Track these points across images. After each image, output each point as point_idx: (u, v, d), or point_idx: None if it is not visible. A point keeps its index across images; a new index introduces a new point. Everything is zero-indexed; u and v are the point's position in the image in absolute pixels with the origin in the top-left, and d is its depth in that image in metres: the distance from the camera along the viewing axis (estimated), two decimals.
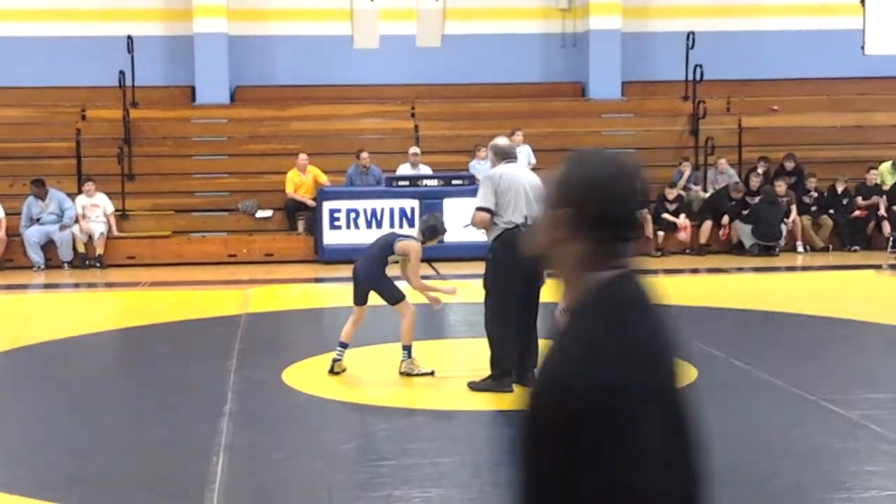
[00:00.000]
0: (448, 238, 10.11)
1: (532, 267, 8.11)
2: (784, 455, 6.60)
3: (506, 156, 8.91)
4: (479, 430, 7.48)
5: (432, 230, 9.18)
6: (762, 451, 6.69)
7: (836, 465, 6.40)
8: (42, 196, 17.57)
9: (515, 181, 8.67)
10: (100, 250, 17.52)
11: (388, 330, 9.84)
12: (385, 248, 9.12)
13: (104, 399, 8.58)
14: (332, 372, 9.03)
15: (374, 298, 9.12)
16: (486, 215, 8.61)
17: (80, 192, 17.89)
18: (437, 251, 9.98)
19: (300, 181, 18.55)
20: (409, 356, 8.94)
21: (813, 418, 7.46)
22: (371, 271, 9.06)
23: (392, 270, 9.20)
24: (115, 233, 17.80)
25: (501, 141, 9.19)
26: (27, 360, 10.08)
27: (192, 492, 5.99)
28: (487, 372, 8.67)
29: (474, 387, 8.43)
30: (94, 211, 17.68)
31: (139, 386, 9.14)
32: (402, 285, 9.18)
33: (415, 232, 9.37)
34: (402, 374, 8.91)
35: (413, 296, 9.24)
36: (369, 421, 7.64)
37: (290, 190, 18.49)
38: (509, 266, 8.28)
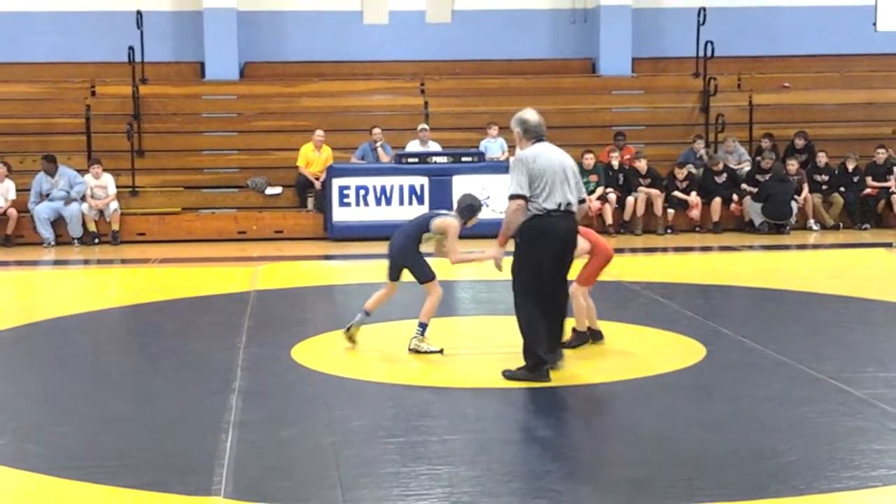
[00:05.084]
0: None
1: (561, 249, 7.91)
2: (792, 433, 6.59)
3: (536, 134, 8.02)
4: (488, 408, 7.48)
5: (469, 209, 9.04)
6: (770, 429, 6.68)
7: (844, 444, 6.39)
8: (52, 172, 17.60)
9: (550, 163, 7.89)
10: (115, 226, 17.56)
11: (399, 307, 9.85)
12: (421, 226, 9.08)
13: (113, 375, 8.60)
14: (346, 331, 9.06)
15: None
16: (521, 203, 7.83)
17: (88, 170, 17.90)
18: None
19: (313, 157, 18.54)
20: (422, 334, 8.93)
21: (822, 396, 7.44)
22: (404, 248, 9.04)
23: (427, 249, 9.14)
24: (119, 211, 17.79)
25: (531, 115, 8.10)
26: (37, 337, 10.11)
27: (201, 468, 6.00)
28: (497, 349, 8.68)
29: (509, 375, 7.94)
30: (103, 192, 17.70)
31: (148, 362, 9.16)
32: (436, 262, 9.10)
33: (452, 211, 9.22)
34: (410, 350, 8.90)
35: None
36: (378, 398, 7.65)
37: (301, 163, 18.50)
38: (537, 251, 7.84)
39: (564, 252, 7.98)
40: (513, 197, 7.86)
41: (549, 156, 7.94)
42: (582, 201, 8.12)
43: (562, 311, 8.11)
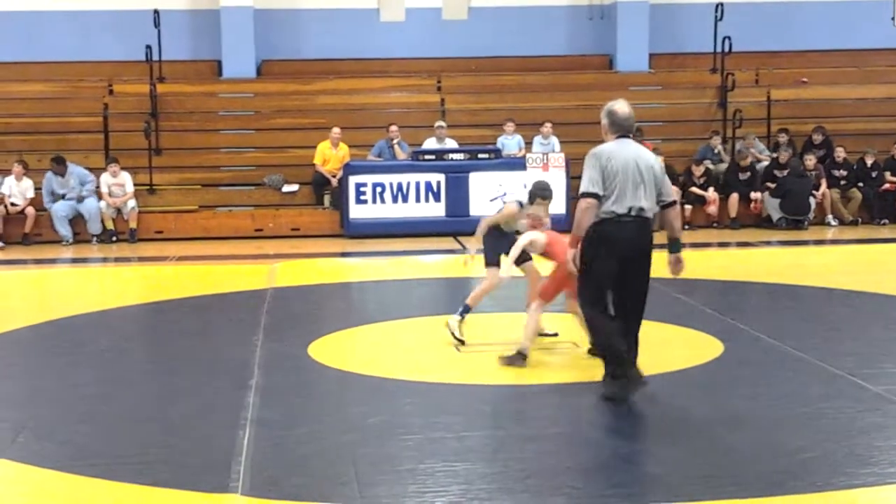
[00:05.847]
0: (476, 211, 10.06)
1: (628, 259, 7.21)
2: (809, 429, 6.57)
3: (622, 129, 7.35)
4: (505, 405, 7.48)
5: (530, 195, 9.04)
6: (788, 426, 6.66)
7: (862, 440, 6.37)
8: (62, 173, 17.64)
9: (626, 164, 7.19)
10: (132, 224, 17.62)
11: (414, 305, 9.84)
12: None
13: (130, 373, 8.62)
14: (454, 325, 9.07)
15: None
16: (592, 202, 7.17)
17: (106, 168, 17.94)
18: (469, 225, 9.89)
19: (330, 154, 18.56)
20: (462, 318, 9.05)
21: (839, 393, 7.42)
22: (487, 232, 9.17)
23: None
24: (136, 210, 17.84)
25: (620, 107, 7.38)
26: (55, 335, 10.15)
27: (218, 465, 6.01)
28: (513, 346, 8.66)
29: (603, 395, 7.30)
30: (120, 190, 17.76)
31: (165, 360, 9.18)
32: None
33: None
34: (446, 324, 9.04)
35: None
36: (395, 395, 7.65)
37: (318, 161, 18.53)
38: (600, 259, 7.22)
39: (634, 262, 7.25)
40: (585, 195, 7.22)
41: (626, 155, 7.23)
42: (670, 204, 7.43)
43: (631, 329, 7.37)
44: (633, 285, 7.30)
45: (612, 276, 7.23)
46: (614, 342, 7.29)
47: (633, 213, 7.18)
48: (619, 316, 7.33)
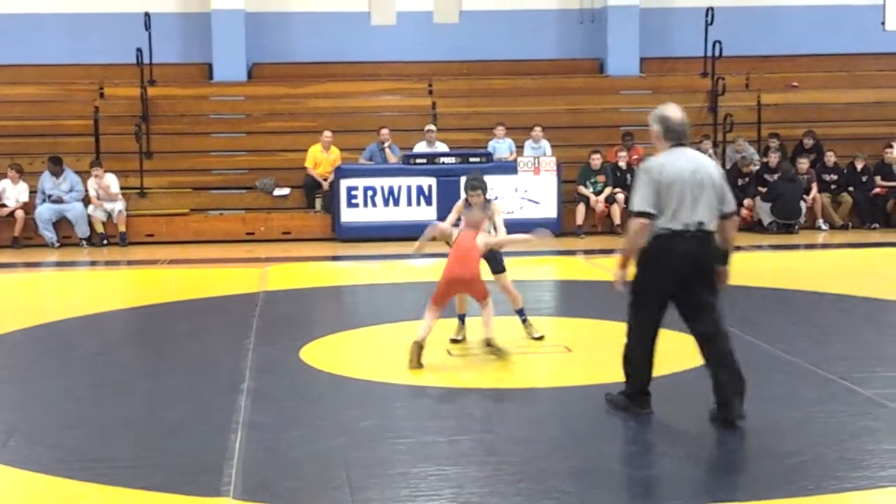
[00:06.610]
0: None
1: (687, 278, 6.70)
2: (801, 433, 6.58)
3: (677, 135, 6.81)
4: (497, 408, 7.48)
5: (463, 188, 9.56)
6: (780, 430, 6.68)
7: (853, 444, 6.38)
8: (58, 174, 17.63)
9: (681, 176, 6.62)
10: (122, 227, 17.58)
11: (406, 308, 9.84)
12: None
13: (122, 376, 8.61)
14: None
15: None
16: (645, 223, 6.62)
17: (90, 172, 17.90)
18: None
19: (321, 158, 18.57)
20: (525, 318, 9.44)
21: (831, 397, 7.43)
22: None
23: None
24: (125, 213, 17.81)
25: (673, 112, 6.91)
26: (45, 338, 10.13)
27: (210, 469, 6.01)
28: (508, 349, 8.68)
29: (610, 399, 7.14)
30: (108, 193, 17.71)
31: (157, 363, 9.17)
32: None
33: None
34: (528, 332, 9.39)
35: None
36: (387, 399, 7.65)
37: (309, 164, 18.53)
38: (655, 279, 6.73)
39: (696, 281, 6.71)
40: (637, 214, 6.66)
41: (680, 166, 6.66)
42: (729, 214, 6.84)
43: (721, 347, 6.83)
44: (702, 304, 6.76)
45: (667, 298, 6.76)
46: (646, 378, 6.98)
47: (691, 228, 6.62)
48: (702, 342, 6.83)
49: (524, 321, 9.45)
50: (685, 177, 6.62)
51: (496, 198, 9.41)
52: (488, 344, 8.73)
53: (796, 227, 18.24)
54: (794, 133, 19.93)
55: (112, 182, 17.84)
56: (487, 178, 17.63)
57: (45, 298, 13.40)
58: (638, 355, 6.96)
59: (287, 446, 6.47)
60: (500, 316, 9.76)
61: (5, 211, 17.48)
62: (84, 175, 17.87)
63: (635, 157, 18.78)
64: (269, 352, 9.10)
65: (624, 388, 7.09)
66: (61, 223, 17.60)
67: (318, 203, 18.43)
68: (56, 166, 17.68)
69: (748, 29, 22.46)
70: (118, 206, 17.70)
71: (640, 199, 6.64)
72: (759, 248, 16.65)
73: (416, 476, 5.90)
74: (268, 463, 6.15)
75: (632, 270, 6.87)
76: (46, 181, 17.65)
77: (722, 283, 6.87)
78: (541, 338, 9.32)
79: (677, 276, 6.69)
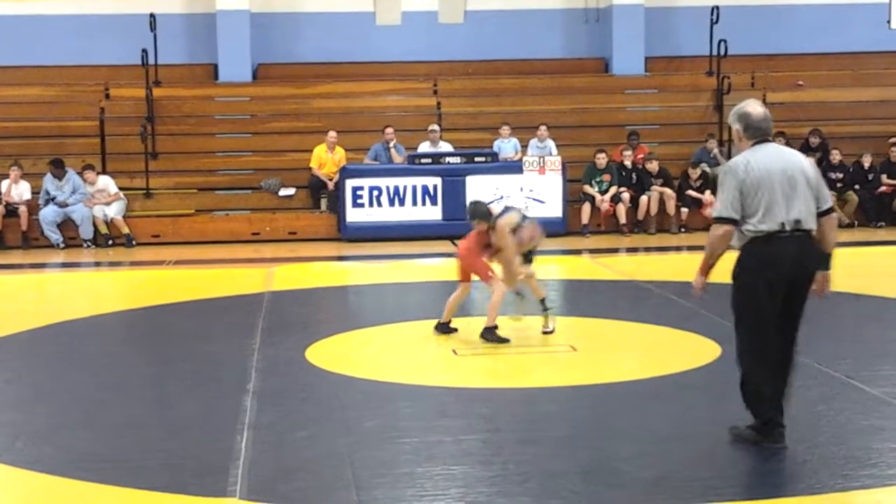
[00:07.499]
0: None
1: (789, 282, 6.24)
2: (808, 432, 6.57)
3: (760, 132, 6.28)
4: (503, 408, 7.48)
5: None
6: (787, 428, 6.65)
7: (860, 442, 6.37)
8: (60, 176, 17.64)
9: (769, 173, 6.16)
10: (125, 229, 17.58)
11: (411, 308, 9.84)
12: None
13: (128, 377, 8.62)
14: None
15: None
16: (728, 229, 6.23)
17: (82, 172, 17.86)
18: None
19: (326, 158, 18.58)
20: (546, 310, 9.54)
21: (837, 395, 7.43)
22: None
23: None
24: (124, 214, 17.81)
25: (754, 108, 6.34)
26: (52, 339, 10.14)
27: (216, 469, 6.01)
28: (511, 350, 8.68)
29: (736, 433, 6.44)
30: (103, 195, 17.72)
31: (163, 364, 9.17)
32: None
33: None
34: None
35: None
36: (392, 399, 7.65)
37: (314, 164, 18.54)
38: (756, 285, 6.21)
39: (795, 286, 6.27)
40: (719, 220, 6.28)
41: (768, 163, 6.19)
42: (826, 212, 6.35)
43: (787, 363, 6.43)
44: (792, 313, 6.34)
45: (768, 305, 6.22)
46: (764, 403, 6.33)
47: (787, 227, 6.16)
48: (776, 353, 6.36)
49: (545, 311, 9.60)
50: (774, 173, 6.18)
51: (504, 209, 9.40)
52: (486, 332, 9.06)
53: None
54: (800, 131, 19.89)
55: (108, 184, 17.83)
56: (492, 178, 17.47)
57: (51, 299, 13.41)
58: (756, 383, 6.33)
59: (293, 447, 6.47)
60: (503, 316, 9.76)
61: (8, 207, 17.47)
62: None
63: (640, 156, 18.77)
64: (274, 352, 9.10)
65: (752, 423, 6.40)
66: (66, 224, 17.60)
67: (324, 203, 18.43)
68: (58, 168, 17.68)
69: (753, 28, 22.43)
70: (114, 208, 17.64)
71: (722, 204, 6.24)
72: None
73: (423, 476, 5.89)
74: (274, 463, 6.15)
75: (708, 278, 6.50)
76: (49, 183, 17.66)
77: (823, 291, 6.45)
78: (551, 332, 9.39)
79: (774, 282, 6.20)
